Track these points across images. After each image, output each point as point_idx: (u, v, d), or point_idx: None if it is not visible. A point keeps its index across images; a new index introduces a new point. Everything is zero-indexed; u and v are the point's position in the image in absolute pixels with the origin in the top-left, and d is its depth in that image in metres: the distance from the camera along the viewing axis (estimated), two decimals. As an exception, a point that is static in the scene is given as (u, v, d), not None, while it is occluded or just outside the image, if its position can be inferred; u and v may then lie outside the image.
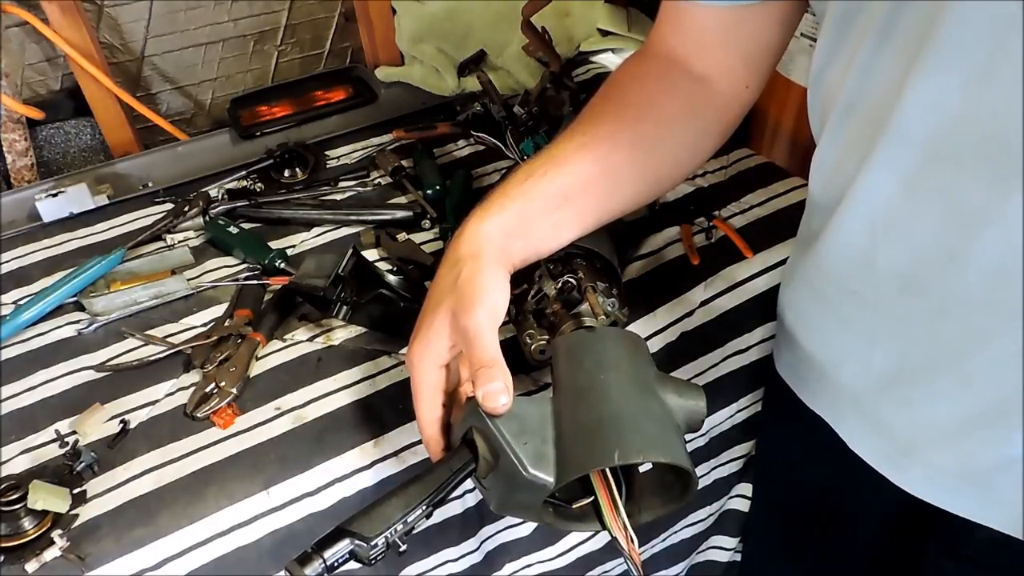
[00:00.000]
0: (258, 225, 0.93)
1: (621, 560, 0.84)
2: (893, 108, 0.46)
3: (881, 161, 0.49)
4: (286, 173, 1.01)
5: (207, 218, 0.92)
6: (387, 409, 0.70)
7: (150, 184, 1.02)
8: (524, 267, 0.62)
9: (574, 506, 0.55)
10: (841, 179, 0.53)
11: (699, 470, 0.87)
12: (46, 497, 0.60)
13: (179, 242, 0.90)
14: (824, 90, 0.56)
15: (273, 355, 0.76)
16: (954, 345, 0.50)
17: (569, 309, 0.64)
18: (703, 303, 0.80)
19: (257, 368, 0.74)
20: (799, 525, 0.81)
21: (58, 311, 0.81)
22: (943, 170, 0.46)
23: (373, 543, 0.46)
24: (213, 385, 0.71)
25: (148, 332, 0.78)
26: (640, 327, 0.77)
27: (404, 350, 0.74)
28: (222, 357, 0.73)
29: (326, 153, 1.06)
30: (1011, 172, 0.42)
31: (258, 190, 0.98)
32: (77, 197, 0.95)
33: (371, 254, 0.87)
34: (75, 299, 0.82)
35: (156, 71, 1.21)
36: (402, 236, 0.90)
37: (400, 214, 0.92)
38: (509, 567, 0.78)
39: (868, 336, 0.57)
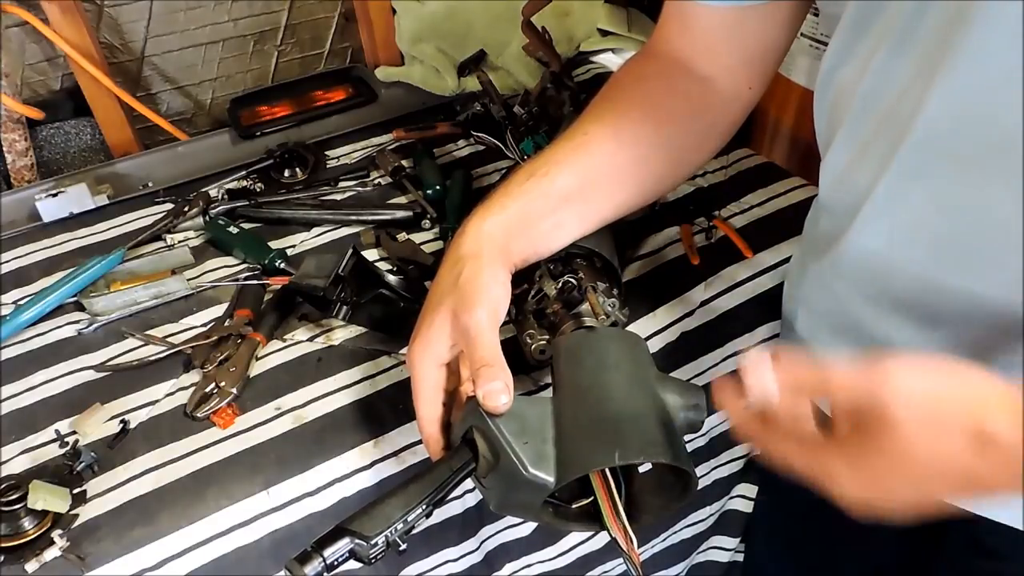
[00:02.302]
0: (258, 225, 0.93)
1: (621, 560, 0.84)
2: (914, 112, 0.46)
3: (900, 166, 0.48)
4: (286, 173, 1.01)
5: (207, 218, 0.92)
6: (387, 409, 0.70)
7: (150, 184, 1.02)
8: (525, 267, 0.62)
9: (574, 506, 0.55)
10: (856, 184, 0.53)
11: (699, 470, 0.87)
12: (46, 497, 0.60)
13: (179, 242, 0.90)
14: (835, 92, 0.55)
15: (273, 355, 0.76)
16: (975, 350, 0.50)
17: (569, 309, 0.64)
18: (703, 303, 0.80)
19: (257, 368, 0.74)
20: (803, 525, 0.80)
21: (58, 311, 0.81)
22: (964, 175, 0.45)
23: (373, 542, 0.46)
24: (213, 385, 0.71)
25: (148, 332, 0.78)
26: (640, 327, 0.77)
27: (404, 350, 0.74)
28: (222, 357, 0.73)
29: (326, 153, 1.06)
30: None
31: (258, 190, 0.98)
32: (77, 197, 0.95)
33: (371, 254, 0.87)
34: (75, 299, 0.82)
35: (156, 71, 1.21)
36: (402, 236, 0.90)
37: (400, 214, 0.92)
38: (509, 567, 0.78)
39: (884, 340, 0.56)
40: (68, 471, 0.65)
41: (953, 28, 0.42)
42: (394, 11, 1.22)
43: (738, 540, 0.95)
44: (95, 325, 0.79)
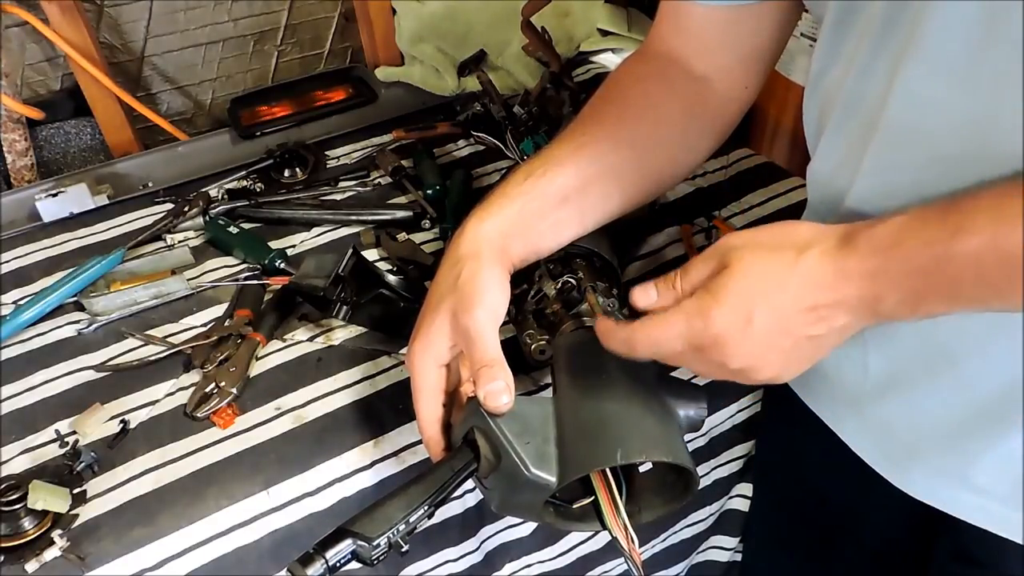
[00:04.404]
0: (258, 225, 0.93)
1: (621, 560, 0.84)
2: (880, 110, 0.46)
3: (870, 166, 0.49)
4: (286, 173, 1.01)
5: (207, 218, 0.92)
6: (387, 409, 0.70)
7: (150, 184, 1.02)
8: (524, 267, 0.62)
9: (575, 506, 0.55)
10: (839, 187, 0.53)
11: (699, 470, 0.87)
12: (46, 497, 0.60)
13: (179, 242, 0.90)
14: (822, 94, 0.55)
15: (273, 355, 0.76)
16: (949, 349, 0.50)
17: (569, 309, 0.64)
18: (703, 303, 0.80)
19: (257, 368, 0.74)
20: (800, 525, 0.81)
21: (58, 311, 0.81)
22: (931, 172, 0.45)
23: (375, 543, 0.46)
24: (213, 385, 0.71)
25: (148, 332, 0.78)
26: (640, 327, 0.77)
27: (404, 350, 0.74)
28: (222, 357, 0.73)
29: (326, 153, 1.06)
30: (998, 165, 0.42)
31: (258, 190, 0.98)
32: (77, 197, 0.95)
33: (371, 254, 0.87)
34: (75, 299, 0.82)
35: (156, 71, 1.21)
36: (402, 236, 0.90)
37: (400, 214, 0.92)
38: (509, 567, 0.78)
39: (860, 342, 0.56)
40: (68, 471, 0.65)
41: (913, 28, 0.43)
42: (394, 11, 1.22)
43: (738, 540, 0.95)
44: (95, 325, 0.79)
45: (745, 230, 0.48)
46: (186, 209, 0.93)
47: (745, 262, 0.46)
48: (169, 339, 0.78)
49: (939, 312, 0.42)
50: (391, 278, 0.77)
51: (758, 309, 0.45)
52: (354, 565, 0.47)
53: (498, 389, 0.51)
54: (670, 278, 0.50)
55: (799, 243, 0.45)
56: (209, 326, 0.79)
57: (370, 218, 0.92)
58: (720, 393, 0.83)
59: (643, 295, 0.51)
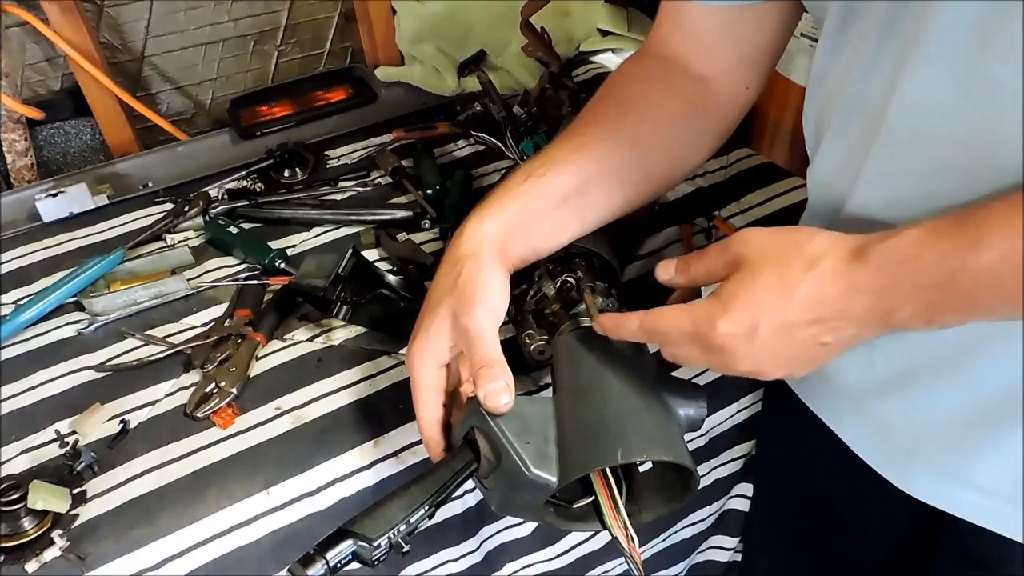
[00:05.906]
0: (258, 225, 0.93)
1: (621, 560, 0.84)
2: (884, 114, 0.46)
3: (873, 167, 0.49)
4: (286, 173, 1.01)
5: (207, 218, 0.92)
6: (387, 409, 0.70)
7: (150, 184, 1.02)
8: (524, 267, 0.62)
9: (575, 506, 0.55)
10: (841, 188, 0.53)
11: (699, 470, 0.87)
12: (46, 497, 0.60)
13: (179, 242, 0.90)
14: (823, 96, 0.55)
15: (273, 355, 0.76)
16: (953, 350, 0.50)
17: (568, 309, 0.64)
18: (703, 303, 0.80)
19: (257, 368, 0.74)
20: (800, 525, 0.81)
21: (58, 311, 0.81)
22: (933, 179, 0.45)
23: (376, 544, 0.46)
24: (213, 385, 0.71)
25: (148, 332, 0.78)
26: (640, 327, 0.77)
27: (404, 350, 0.74)
28: (222, 357, 0.73)
29: (326, 153, 1.06)
30: (1000, 173, 0.42)
31: (258, 190, 0.98)
32: (77, 197, 0.95)
33: (371, 254, 0.87)
34: (75, 299, 0.82)
35: (156, 71, 1.21)
36: (402, 236, 0.90)
37: (400, 214, 0.92)
38: (509, 567, 0.78)
39: (867, 343, 0.56)
40: (68, 471, 0.65)
41: (917, 27, 0.43)
42: (394, 11, 1.22)
43: (738, 540, 0.95)
44: (95, 325, 0.79)
45: (763, 228, 0.49)
46: (186, 209, 0.93)
47: (755, 270, 0.46)
48: (169, 339, 0.78)
49: (953, 323, 0.42)
50: (391, 278, 0.77)
51: (764, 320, 0.45)
52: (354, 565, 0.47)
53: (498, 389, 0.51)
54: (689, 258, 0.51)
55: (810, 255, 0.45)
56: (209, 326, 0.79)
57: (370, 218, 0.92)
58: (720, 393, 0.83)
59: (664, 269, 0.53)
